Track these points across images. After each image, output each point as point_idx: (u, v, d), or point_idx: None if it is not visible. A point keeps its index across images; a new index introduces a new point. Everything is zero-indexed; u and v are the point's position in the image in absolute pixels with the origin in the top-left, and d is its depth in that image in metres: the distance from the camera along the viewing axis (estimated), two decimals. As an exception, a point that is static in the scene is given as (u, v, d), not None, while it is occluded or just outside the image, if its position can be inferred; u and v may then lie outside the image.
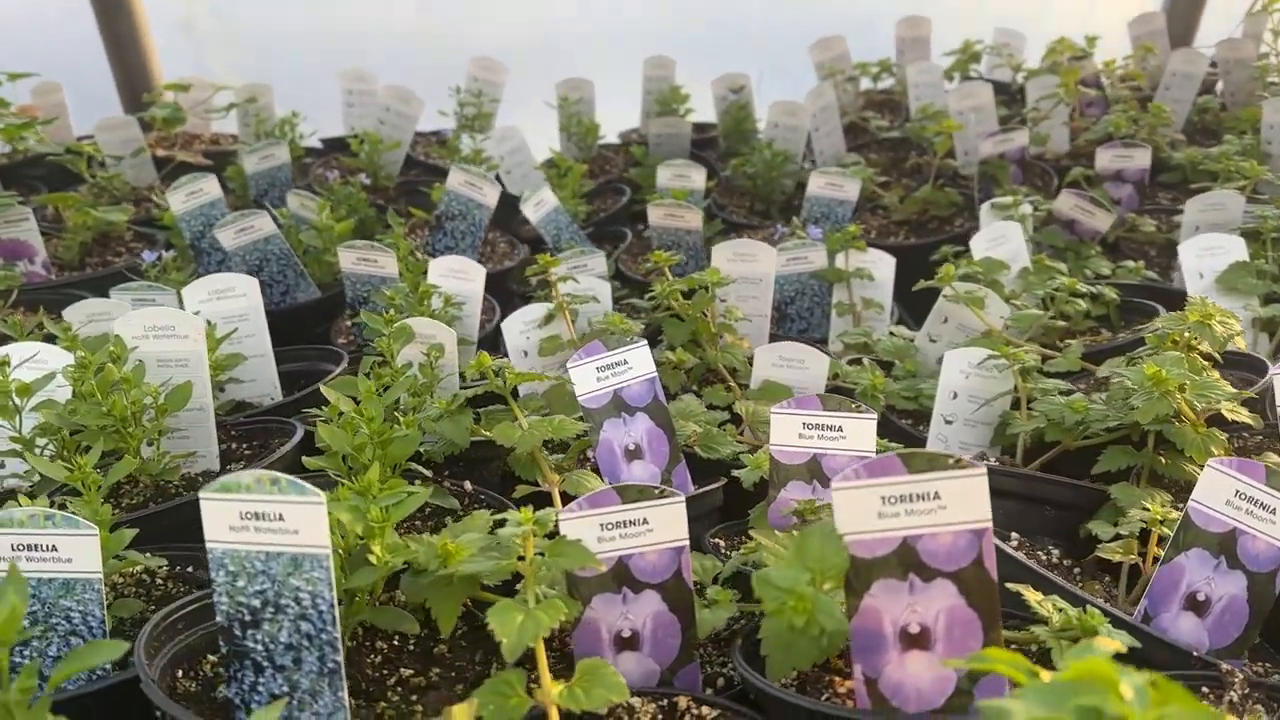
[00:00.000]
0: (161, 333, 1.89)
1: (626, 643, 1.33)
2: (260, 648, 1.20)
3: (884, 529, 1.13)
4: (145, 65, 4.08)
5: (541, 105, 3.96)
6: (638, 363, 1.78)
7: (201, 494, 1.17)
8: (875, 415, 1.54)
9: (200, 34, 4.26)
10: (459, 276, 2.46)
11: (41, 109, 3.62)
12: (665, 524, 1.32)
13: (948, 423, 2.08)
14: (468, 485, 1.84)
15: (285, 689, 1.20)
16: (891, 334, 2.42)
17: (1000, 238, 2.55)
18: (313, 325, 2.74)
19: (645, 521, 1.31)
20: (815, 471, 1.56)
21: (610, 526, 1.31)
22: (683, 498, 1.32)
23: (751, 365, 2.19)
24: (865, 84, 4.20)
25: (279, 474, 1.15)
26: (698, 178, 3.16)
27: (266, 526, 1.16)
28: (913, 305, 2.73)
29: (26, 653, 1.33)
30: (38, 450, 1.90)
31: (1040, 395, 2.00)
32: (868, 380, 2.09)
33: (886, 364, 2.36)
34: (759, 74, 3.94)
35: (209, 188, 2.84)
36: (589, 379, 1.76)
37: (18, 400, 1.88)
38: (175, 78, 3.85)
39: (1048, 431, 1.86)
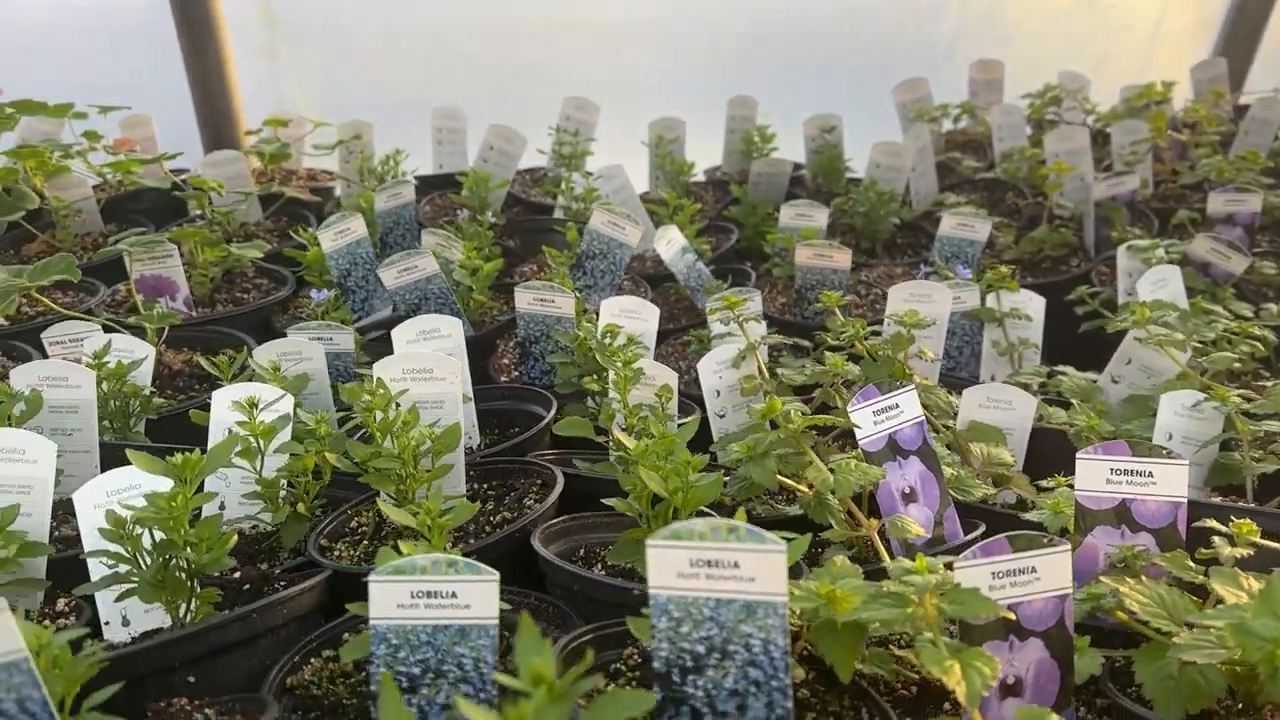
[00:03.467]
0: (420, 376, 1.89)
1: (1010, 690, 1.35)
2: (701, 694, 1.20)
3: (1335, 575, 1.17)
4: (229, 98, 4.05)
5: (611, 141, 3.99)
6: (908, 406, 1.81)
7: (649, 542, 1.17)
8: (1186, 461, 1.58)
9: (282, 64, 4.24)
10: (633, 316, 2.47)
11: (137, 143, 3.57)
12: (1051, 572, 1.34)
13: (1163, 464, 2.13)
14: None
15: (724, 735, 1.20)
16: (1061, 374, 2.47)
17: (1162, 281, 2.61)
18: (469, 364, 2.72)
19: (1033, 570, 1.34)
20: (1124, 516, 1.59)
21: (1001, 575, 1.33)
22: (1067, 546, 1.34)
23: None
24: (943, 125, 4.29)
25: (736, 522, 1.16)
26: (820, 217, 3.19)
27: (719, 574, 1.17)
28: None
29: (415, 700, 1.32)
30: (281, 496, 1.89)
31: (1252, 436, 2.06)
32: (1083, 421, 2.14)
33: (1048, 402, 2.41)
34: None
35: (355, 226, 2.84)
36: (868, 422, 1.78)
37: (260, 444, 1.88)
38: (256, 110, 3.84)
39: (1291, 473, 1.92)
